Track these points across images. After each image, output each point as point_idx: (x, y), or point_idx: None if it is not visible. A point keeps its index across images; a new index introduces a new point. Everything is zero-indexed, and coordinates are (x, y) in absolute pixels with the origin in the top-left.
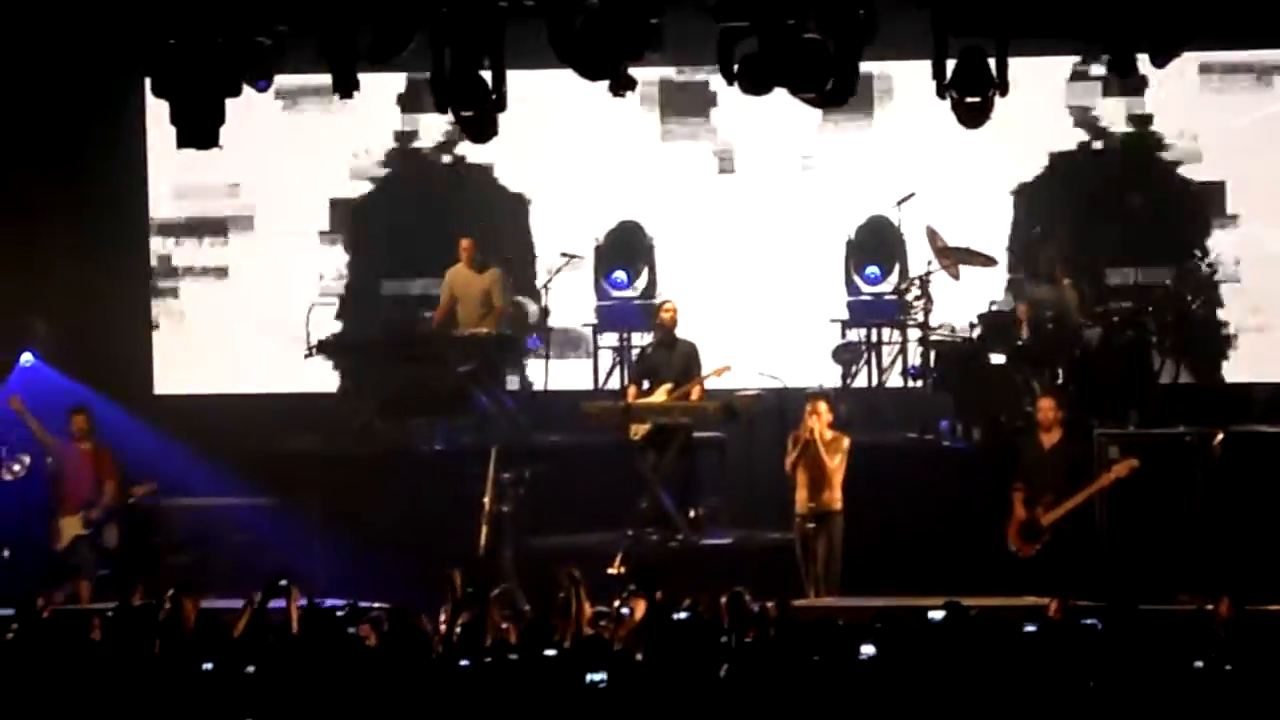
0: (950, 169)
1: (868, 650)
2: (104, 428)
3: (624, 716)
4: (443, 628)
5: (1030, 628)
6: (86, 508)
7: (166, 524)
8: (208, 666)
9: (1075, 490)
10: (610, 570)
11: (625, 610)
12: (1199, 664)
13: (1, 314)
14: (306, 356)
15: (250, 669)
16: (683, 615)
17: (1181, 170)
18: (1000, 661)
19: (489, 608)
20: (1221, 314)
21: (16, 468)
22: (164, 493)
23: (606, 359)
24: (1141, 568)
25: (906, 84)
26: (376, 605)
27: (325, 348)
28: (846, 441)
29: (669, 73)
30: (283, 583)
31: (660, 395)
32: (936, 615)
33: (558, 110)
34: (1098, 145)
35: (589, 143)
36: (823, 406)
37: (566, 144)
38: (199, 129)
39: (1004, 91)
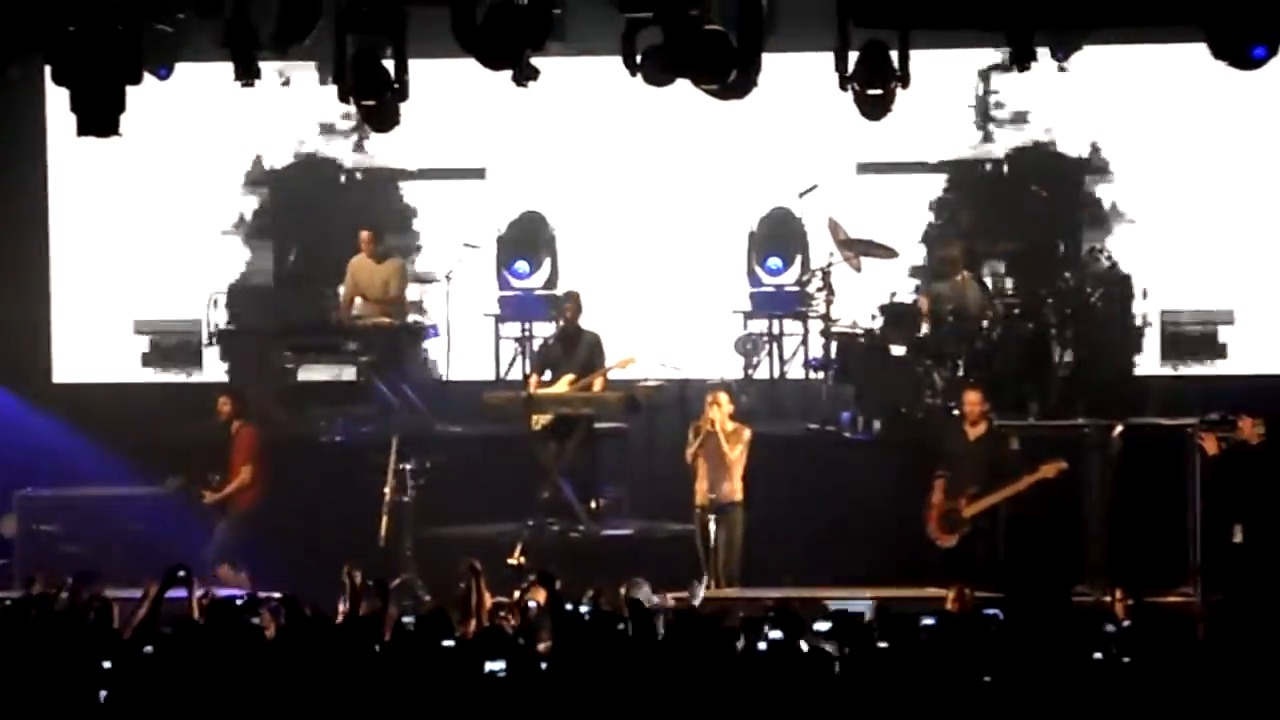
0: (851, 161)
1: (774, 635)
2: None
3: (524, 707)
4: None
5: (928, 621)
6: None
7: (63, 513)
8: (106, 664)
9: (998, 484)
10: (510, 561)
11: (530, 603)
12: (1097, 656)
13: None
14: (206, 345)
15: (148, 650)
16: (584, 608)
17: (1084, 167)
18: (898, 655)
19: (388, 600)
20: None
21: None
22: (62, 481)
23: (508, 349)
24: (1041, 560)
25: (809, 76)
26: (274, 595)
27: (223, 336)
28: (747, 433)
29: (571, 62)
30: (182, 573)
31: (563, 386)
32: (823, 627)
33: (460, 100)
34: (1001, 140)
35: (491, 132)
36: (723, 397)
37: (467, 134)
38: (100, 117)
39: (906, 84)
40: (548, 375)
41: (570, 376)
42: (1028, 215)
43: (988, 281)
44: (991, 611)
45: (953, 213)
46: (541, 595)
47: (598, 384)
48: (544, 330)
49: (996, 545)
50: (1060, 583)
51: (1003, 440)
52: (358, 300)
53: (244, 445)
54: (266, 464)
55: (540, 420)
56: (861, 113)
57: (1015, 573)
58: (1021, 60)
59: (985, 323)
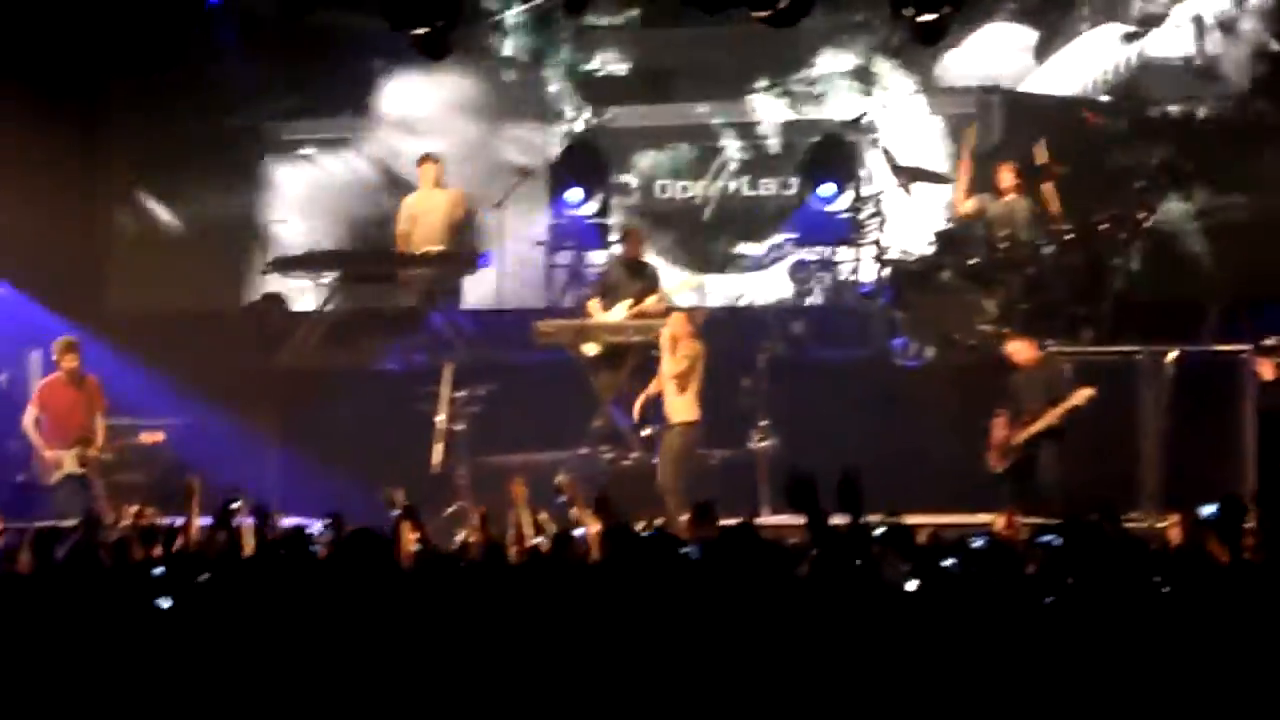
0: (904, 87)
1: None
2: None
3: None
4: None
5: (978, 542)
6: (82, 445)
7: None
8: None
9: (1045, 410)
10: (557, 481)
11: (577, 530)
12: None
13: None
14: (263, 273)
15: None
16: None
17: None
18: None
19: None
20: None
21: None
22: (119, 412)
23: (560, 278)
24: (1094, 485)
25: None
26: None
27: (281, 264)
28: (688, 348)
29: None
30: (236, 503)
31: (622, 311)
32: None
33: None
34: (1054, 64)
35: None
36: (675, 315)
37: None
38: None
39: (958, 7)
40: (604, 301)
41: (629, 301)
42: (1082, 139)
43: (1040, 206)
44: (1046, 538)
45: (1006, 136)
46: (595, 523)
47: (656, 307)
48: (596, 259)
49: (1049, 470)
50: (1113, 507)
51: (1054, 368)
52: (414, 235)
53: (98, 396)
54: None
55: (592, 348)
56: (915, 37)
57: (1068, 498)
58: None
59: (1038, 248)
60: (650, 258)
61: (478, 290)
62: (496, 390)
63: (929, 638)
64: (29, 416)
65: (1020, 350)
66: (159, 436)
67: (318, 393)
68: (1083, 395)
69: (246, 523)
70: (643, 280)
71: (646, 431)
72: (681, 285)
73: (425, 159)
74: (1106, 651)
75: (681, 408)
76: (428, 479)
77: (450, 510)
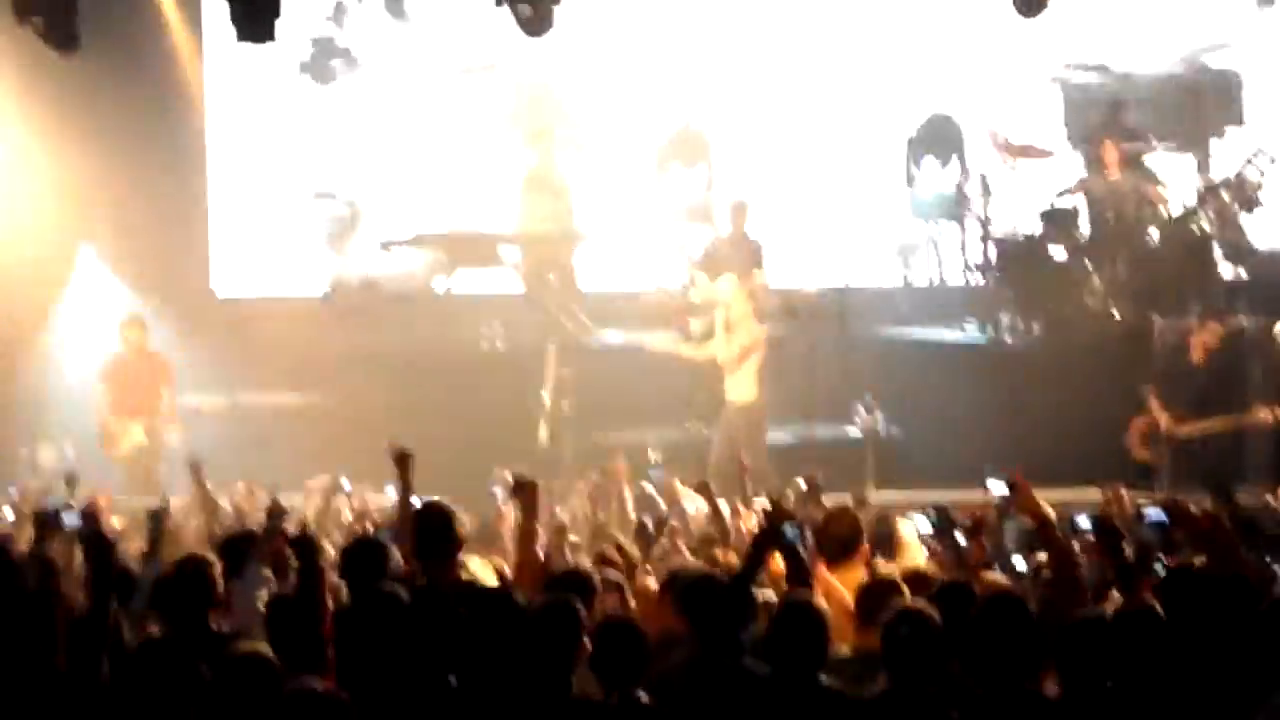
0: (1008, 62)
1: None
2: (161, 331)
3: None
4: (506, 524)
5: (1082, 519)
6: (148, 416)
7: (224, 423)
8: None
9: (1219, 411)
10: (652, 456)
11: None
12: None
13: (62, 212)
14: (383, 247)
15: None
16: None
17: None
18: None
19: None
20: None
21: None
22: (221, 392)
23: (666, 255)
24: (1205, 459)
25: None
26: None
27: (389, 245)
28: (749, 333)
29: None
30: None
31: (725, 286)
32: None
33: (611, 7)
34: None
35: (647, 41)
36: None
37: (623, 42)
38: (256, 23)
39: None
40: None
41: (733, 276)
42: (1190, 116)
43: (1146, 182)
44: (1154, 514)
45: (1112, 113)
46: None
47: (760, 284)
48: (700, 238)
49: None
50: (1224, 483)
51: (1224, 369)
52: (529, 212)
53: (165, 369)
54: None
55: (695, 325)
56: (1018, 9)
57: (1177, 475)
58: None
59: (1145, 224)
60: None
61: (586, 268)
62: (602, 368)
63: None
64: (98, 393)
65: (1211, 333)
66: (221, 405)
67: (424, 373)
68: (1267, 414)
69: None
70: (745, 255)
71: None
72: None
73: (543, 130)
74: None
75: (737, 388)
76: (535, 456)
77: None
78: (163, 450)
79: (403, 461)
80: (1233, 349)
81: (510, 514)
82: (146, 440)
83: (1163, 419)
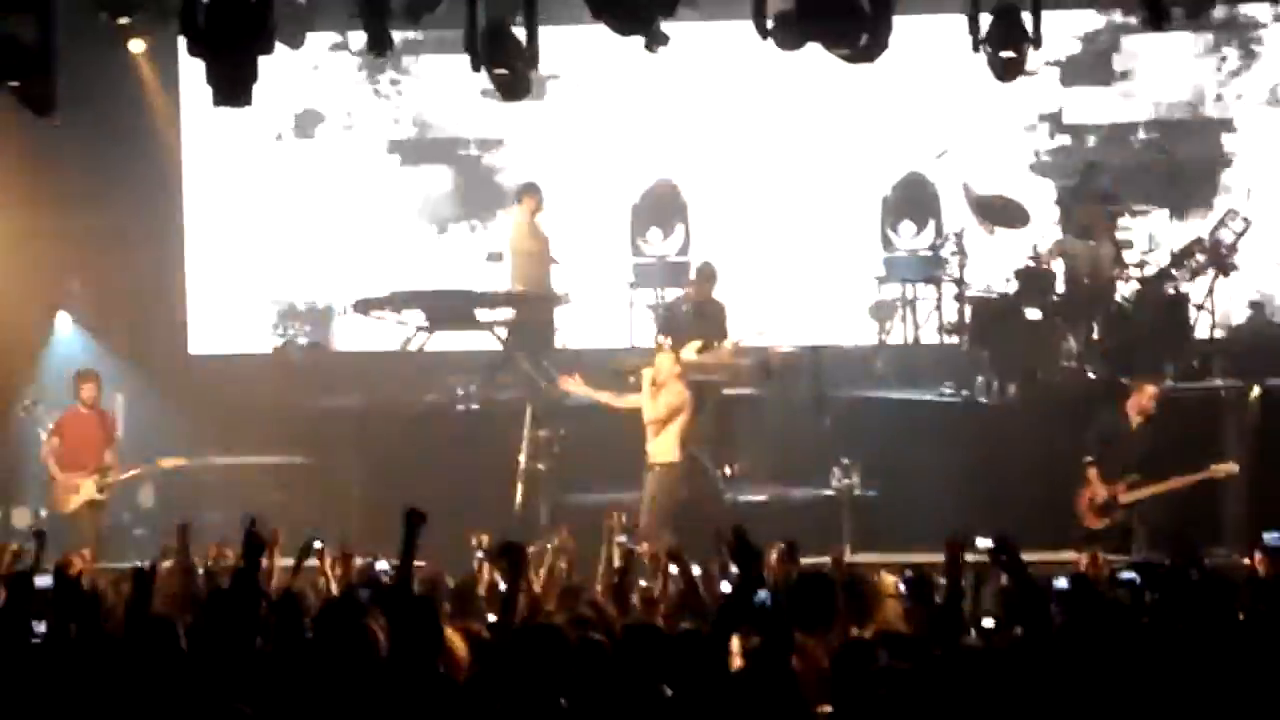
0: (983, 122)
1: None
2: (139, 388)
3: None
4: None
5: (1061, 583)
6: (101, 473)
7: (200, 484)
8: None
9: (1158, 472)
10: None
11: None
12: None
13: (38, 277)
14: (343, 314)
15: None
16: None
17: (1222, 128)
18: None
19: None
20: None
21: None
22: (197, 451)
23: (641, 317)
24: (1178, 522)
25: (940, 38)
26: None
27: (363, 305)
28: (675, 395)
29: (702, 27)
30: (318, 544)
31: (690, 351)
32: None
33: (590, 68)
34: (1132, 103)
35: (622, 100)
36: (661, 357)
37: (598, 101)
38: (234, 88)
39: (1038, 45)
40: (670, 341)
41: (698, 343)
42: (1162, 177)
43: (1121, 243)
44: (1128, 575)
45: (1087, 174)
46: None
47: (727, 350)
48: (676, 297)
49: (1140, 521)
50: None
51: (1165, 428)
52: (512, 266)
53: (111, 426)
54: None
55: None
56: (994, 74)
57: (1152, 536)
58: (1156, 20)
59: (1120, 284)
60: (719, 293)
61: (560, 329)
62: (578, 429)
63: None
64: (47, 446)
65: (1152, 397)
66: (180, 461)
67: (399, 433)
68: (1224, 469)
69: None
70: (708, 321)
71: (729, 470)
72: (751, 330)
73: (527, 191)
74: (1193, 686)
75: (659, 450)
76: (509, 518)
77: (532, 549)
78: (109, 506)
79: (414, 523)
80: (1174, 409)
81: (486, 576)
82: (100, 495)
83: (1103, 489)
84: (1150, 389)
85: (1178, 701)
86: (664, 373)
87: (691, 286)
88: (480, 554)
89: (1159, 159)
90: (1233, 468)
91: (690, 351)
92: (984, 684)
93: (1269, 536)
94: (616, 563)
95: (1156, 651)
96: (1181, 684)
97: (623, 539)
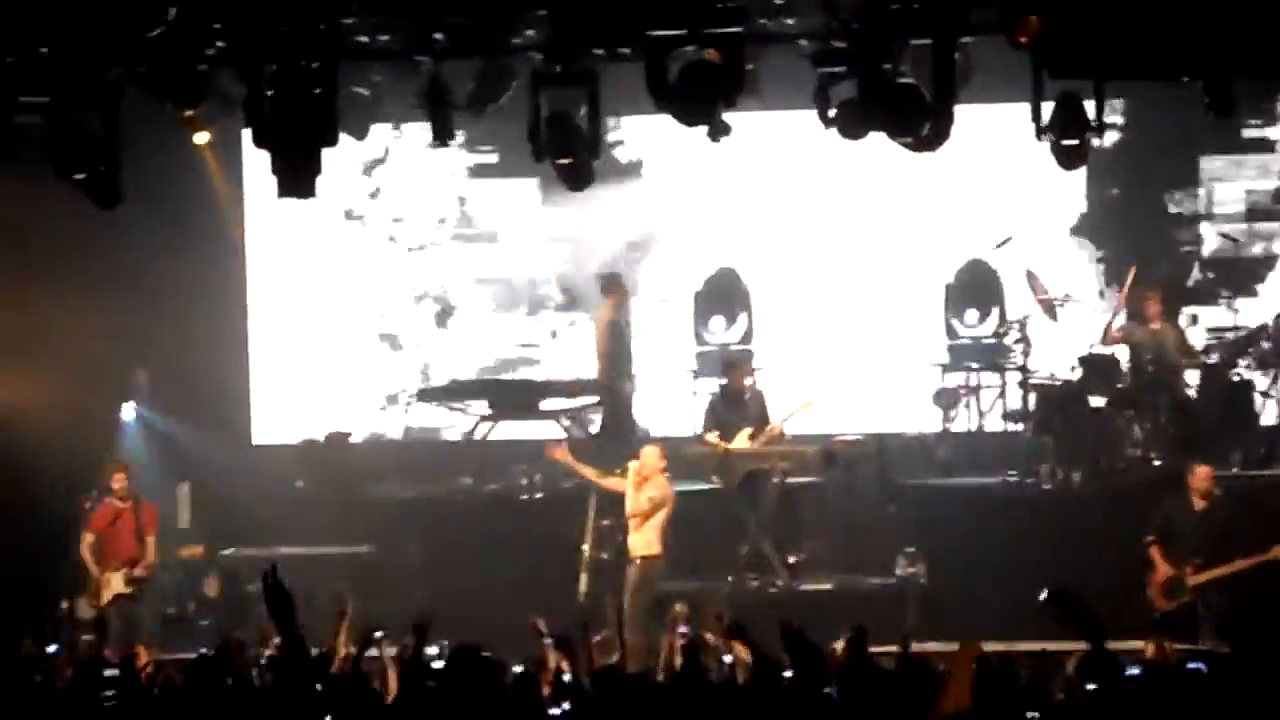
0: (1046, 211)
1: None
2: (204, 476)
3: None
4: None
5: (1133, 670)
6: (130, 565)
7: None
8: None
9: (1224, 556)
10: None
11: (726, 657)
12: None
13: (106, 369)
14: (407, 404)
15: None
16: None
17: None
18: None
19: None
20: None
21: None
22: (261, 541)
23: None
24: (1244, 612)
25: (1003, 127)
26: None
27: (425, 395)
28: (658, 489)
29: (765, 117)
30: (379, 634)
31: (741, 441)
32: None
33: (654, 156)
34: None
35: (685, 189)
36: (647, 450)
37: (662, 191)
38: (297, 179)
39: (1101, 134)
40: (717, 435)
41: (748, 431)
42: (1227, 263)
43: (1185, 330)
44: (1195, 665)
45: (1149, 259)
46: (741, 650)
47: (777, 431)
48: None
49: (1205, 606)
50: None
51: (1230, 511)
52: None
53: (150, 517)
54: None
55: (731, 478)
56: (1058, 162)
57: (1218, 623)
58: (1220, 108)
59: (1185, 372)
60: (786, 378)
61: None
62: None
63: None
64: (85, 543)
65: (1205, 477)
66: (197, 550)
67: (463, 520)
68: None
69: (390, 653)
70: (752, 407)
71: (793, 559)
72: (797, 408)
73: (613, 282)
74: None
75: (640, 543)
76: (575, 606)
77: (598, 638)
78: (145, 597)
79: (421, 631)
80: (1240, 495)
81: (552, 661)
82: (128, 589)
83: (1168, 568)
84: (1203, 469)
85: None
86: (649, 467)
87: (726, 377)
88: (546, 640)
89: (1225, 245)
90: None
91: (742, 440)
92: None
93: None
94: (678, 657)
95: None
96: None
97: (684, 629)
